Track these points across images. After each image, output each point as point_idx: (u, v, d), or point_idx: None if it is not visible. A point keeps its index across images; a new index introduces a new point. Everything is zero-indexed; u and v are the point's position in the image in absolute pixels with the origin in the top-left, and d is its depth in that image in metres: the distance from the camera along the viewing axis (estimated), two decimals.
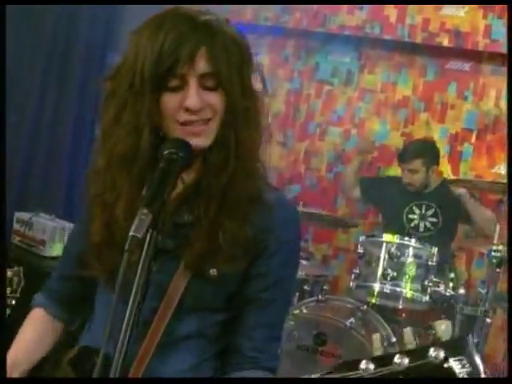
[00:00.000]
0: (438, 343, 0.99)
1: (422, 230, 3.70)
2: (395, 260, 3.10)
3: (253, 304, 1.33)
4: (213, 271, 1.27)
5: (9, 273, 2.19)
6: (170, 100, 1.23)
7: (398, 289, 3.10)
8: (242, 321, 1.34)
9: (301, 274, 3.44)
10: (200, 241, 1.26)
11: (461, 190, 3.46)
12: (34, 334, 1.51)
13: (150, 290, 1.23)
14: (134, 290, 1.10)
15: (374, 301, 3.18)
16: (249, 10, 4.60)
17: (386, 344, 3.06)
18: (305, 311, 3.03)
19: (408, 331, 1.06)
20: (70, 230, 3.75)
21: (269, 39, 4.68)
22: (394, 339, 3.08)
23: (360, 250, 3.21)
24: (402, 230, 3.52)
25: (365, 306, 3.16)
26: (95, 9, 4.32)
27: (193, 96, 1.21)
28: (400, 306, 3.23)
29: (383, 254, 3.13)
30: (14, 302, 2.23)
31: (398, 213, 3.74)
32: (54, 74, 4.34)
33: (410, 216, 3.72)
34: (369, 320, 3.14)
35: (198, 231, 1.27)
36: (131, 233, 1.08)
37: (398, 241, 3.16)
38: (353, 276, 3.20)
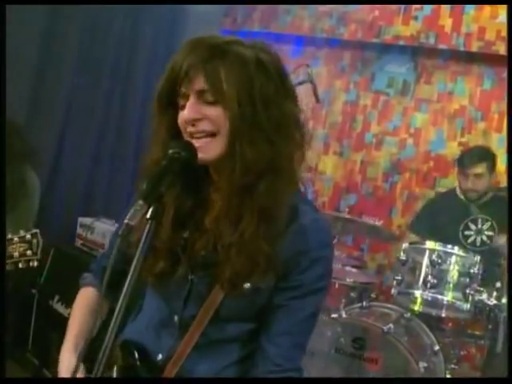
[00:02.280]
0: None
1: (478, 244, 3.61)
2: (437, 267, 3.08)
3: (281, 311, 1.40)
4: (247, 285, 1.35)
5: (27, 235, 2.33)
6: (180, 117, 1.36)
7: (440, 296, 3.07)
8: (269, 327, 1.41)
9: (348, 281, 3.49)
10: (237, 261, 1.33)
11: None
12: (86, 313, 1.61)
13: (191, 299, 1.41)
14: (130, 275, 1.22)
15: (416, 308, 3.16)
16: (306, 23, 4.70)
17: (429, 352, 3.06)
18: (344, 316, 3.06)
19: None
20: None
21: (325, 51, 4.76)
22: (437, 347, 3.07)
23: (403, 258, 3.21)
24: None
25: (408, 314, 3.16)
26: (160, 9, 4.53)
27: (188, 108, 1.32)
28: (443, 315, 3.20)
29: (425, 261, 3.12)
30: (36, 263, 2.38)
31: (454, 233, 3.66)
32: (119, 81, 4.56)
33: (466, 233, 3.64)
34: (412, 327, 3.14)
35: (235, 251, 1.34)
36: (125, 220, 1.19)
37: (440, 248, 3.14)
38: (395, 283, 3.20)
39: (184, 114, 1.33)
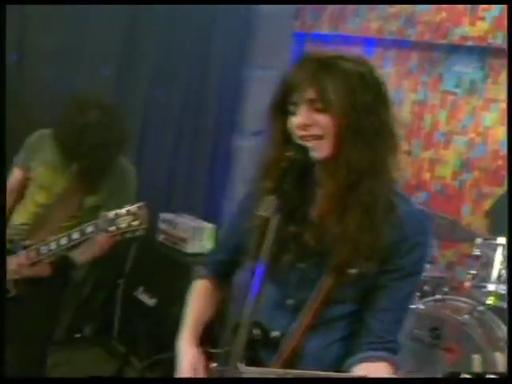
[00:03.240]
0: None
1: None
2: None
3: (383, 290, 1.59)
4: (352, 271, 1.56)
5: (133, 208, 2.57)
6: (291, 121, 1.58)
7: None
8: (373, 304, 1.60)
9: (423, 275, 3.62)
10: (343, 250, 1.54)
11: None
12: (203, 305, 1.85)
13: (301, 285, 1.63)
14: (262, 260, 1.43)
15: (490, 302, 3.29)
16: (374, 25, 4.84)
17: (501, 345, 3.17)
18: (422, 307, 3.21)
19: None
20: (209, 229, 4.21)
21: (394, 52, 4.89)
22: None
23: (476, 252, 3.35)
24: None
25: (482, 307, 3.29)
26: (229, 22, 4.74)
27: (300, 115, 1.55)
28: None
29: (498, 257, 3.25)
30: (142, 232, 2.63)
31: None
32: (194, 87, 4.80)
33: None
34: (486, 320, 3.26)
35: (341, 242, 1.54)
36: (258, 213, 1.44)
37: None
38: (469, 277, 3.33)
39: (297, 120, 1.55)
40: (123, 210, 2.57)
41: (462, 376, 1.16)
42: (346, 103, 1.51)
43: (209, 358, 1.73)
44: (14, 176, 3.08)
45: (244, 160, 4.71)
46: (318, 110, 1.53)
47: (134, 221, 2.54)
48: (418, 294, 3.46)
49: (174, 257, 4.16)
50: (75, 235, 2.69)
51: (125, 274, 4.37)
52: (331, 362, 1.64)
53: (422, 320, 3.19)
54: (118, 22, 4.23)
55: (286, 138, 1.59)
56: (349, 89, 1.52)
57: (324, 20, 5.09)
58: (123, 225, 2.55)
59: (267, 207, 1.45)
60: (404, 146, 4.77)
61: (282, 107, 1.60)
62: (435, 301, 3.36)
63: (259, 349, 1.67)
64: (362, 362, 1.57)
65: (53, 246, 2.74)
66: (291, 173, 1.53)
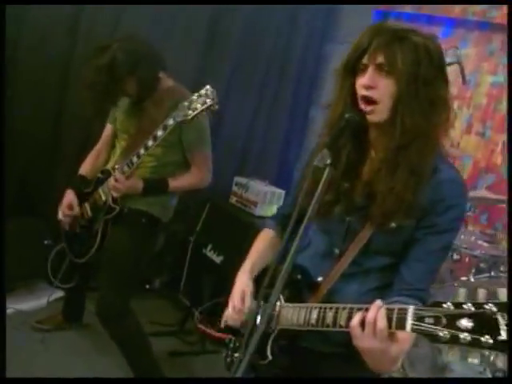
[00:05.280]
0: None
1: None
2: None
3: (418, 243, 1.71)
4: (393, 224, 1.71)
5: (202, 91, 2.82)
6: (358, 80, 1.73)
7: None
8: (407, 255, 1.73)
9: (479, 252, 3.70)
10: (386, 204, 1.69)
11: None
12: (264, 248, 2.06)
13: (348, 236, 1.80)
14: (309, 213, 1.59)
15: None
16: (458, 6, 4.84)
17: None
18: (472, 280, 3.29)
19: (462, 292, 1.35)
20: (279, 194, 4.38)
21: (476, 33, 4.88)
22: None
23: None
24: None
25: None
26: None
27: (367, 75, 1.69)
28: None
29: None
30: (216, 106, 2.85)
31: None
32: (276, 61, 4.97)
33: None
34: None
35: (386, 197, 1.69)
36: (315, 163, 1.62)
37: None
38: None
39: (363, 79, 1.69)
40: (194, 96, 2.80)
41: (452, 302, 1.27)
42: (410, 72, 1.63)
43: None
44: (105, 130, 3.42)
45: (318, 131, 4.85)
46: (384, 74, 1.67)
47: (206, 99, 2.77)
48: (473, 270, 3.54)
49: (244, 218, 4.34)
50: (159, 133, 2.92)
51: (196, 231, 4.58)
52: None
53: (472, 292, 3.25)
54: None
55: (350, 98, 1.75)
56: (415, 60, 1.64)
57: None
58: (198, 105, 2.78)
59: (322, 159, 1.62)
60: (478, 127, 4.82)
61: (352, 67, 1.72)
62: (489, 277, 3.43)
63: (303, 291, 1.85)
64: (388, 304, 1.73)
65: (142, 150, 2.99)
66: (347, 132, 1.71)
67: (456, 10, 4.85)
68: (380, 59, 1.66)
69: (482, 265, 3.64)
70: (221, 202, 4.60)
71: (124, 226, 3.19)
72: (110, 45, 2.98)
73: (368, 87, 1.68)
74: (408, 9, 5.10)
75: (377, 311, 1.45)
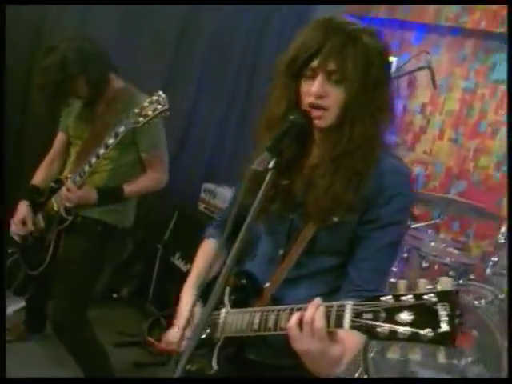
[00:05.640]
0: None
1: None
2: None
3: (363, 241, 1.63)
4: (335, 219, 1.61)
5: (153, 97, 2.77)
6: (304, 86, 1.63)
7: None
8: (353, 254, 1.65)
9: (448, 260, 3.64)
10: (325, 200, 1.61)
11: None
12: (206, 259, 1.95)
13: (292, 235, 1.70)
14: (251, 215, 1.50)
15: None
16: (430, 11, 4.81)
17: None
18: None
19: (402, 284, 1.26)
20: None
21: (448, 39, 4.86)
22: None
23: (501, 240, 3.33)
24: None
25: (503, 295, 3.28)
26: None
27: (317, 84, 1.58)
28: None
29: None
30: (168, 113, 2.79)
31: None
32: (247, 62, 4.88)
33: None
34: (504, 309, 3.25)
35: (319, 192, 1.62)
36: (253, 166, 1.51)
37: None
38: (491, 263, 3.33)
39: (313, 88, 1.58)
40: (145, 103, 2.73)
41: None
42: (360, 79, 1.55)
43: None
44: (56, 139, 3.34)
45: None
46: (334, 82, 1.58)
47: (157, 106, 2.71)
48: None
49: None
50: (110, 140, 2.83)
51: (164, 239, 4.50)
52: None
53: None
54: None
55: (295, 98, 1.65)
56: (367, 65, 1.56)
57: (381, 5, 5.08)
58: (149, 112, 2.71)
59: (262, 162, 1.52)
60: (450, 133, 4.81)
61: (298, 70, 1.62)
62: (458, 286, 3.36)
63: (250, 297, 1.76)
64: None
65: (93, 159, 2.90)
66: (291, 134, 1.61)
67: (429, 15, 4.82)
68: (331, 66, 1.57)
69: (451, 273, 3.58)
70: (189, 210, 4.52)
71: (78, 235, 3.10)
72: (58, 45, 2.91)
73: (318, 96, 1.59)
74: (381, 14, 5.06)
75: (315, 310, 1.37)
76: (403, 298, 1.19)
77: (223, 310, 1.76)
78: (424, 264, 3.62)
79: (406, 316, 1.17)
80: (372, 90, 1.57)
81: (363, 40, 1.57)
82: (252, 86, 4.87)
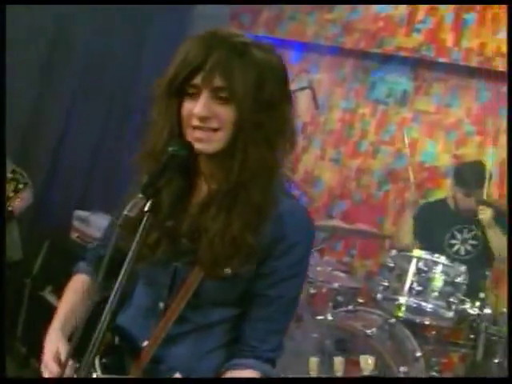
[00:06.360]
0: None
1: (463, 253, 3.72)
2: (423, 275, 3.16)
3: (259, 299, 1.45)
4: (227, 270, 1.40)
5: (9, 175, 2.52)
6: (186, 106, 1.38)
7: (424, 303, 3.15)
8: (249, 313, 1.47)
9: (336, 285, 3.54)
10: (219, 247, 1.38)
11: (484, 215, 3.47)
12: (77, 298, 1.64)
13: (175, 286, 1.46)
14: (126, 263, 1.28)
15: (400, 314, 3.22)
16: (310, 30, 4.77)
17: (410, 358, 3.11)
18: (330, 318, 3.11)
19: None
20: None
21: (327, 58, 4.83)
22: (418, 353, 3.12)
23: (390, 264, 3.28)
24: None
25: (393, 319, 3.22)
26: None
27: (201, 104, 1.35)
28: (426, 322, 3.25)
29: (412, 269, 3.18)
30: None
31: (441, 242, 3.76)
32: (122, 85, 4.64)
33: (452, 242, 3.74)
34: (396, 333, 3.19)
35: (214, 237, 1.38)
36: (125, 212, 1.26)
37: (427, 257, 3.21)
38: (381, 288, 3.27)
39: (196, 108, 1.36)
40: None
41: None
42: (252, 96, 1.35)
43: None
44: None
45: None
46: (221, 100, 1.36)
47: (17, 184, 2.48)
48: (331, 304, 3.36)
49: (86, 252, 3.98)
50: None
51: (33, 272, 4.15)
52: (211, 370, 1.49)
53: (331, 331, 3.08)
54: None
55: (174, 125, 1.41)
56: (259, 81, 1.36)
57: (260, 22, 4.99)
58: (10, 194, 2.48)
59: (134, 207, 1.29)
60: (331, 153, 4.76)
61: (178, 88, 1.39)
62: (347, 312, 3.27)
63: (125, 359, 1.50)
64: (229, 369, 1.45)
65: None
66: (171, 169, 1.36)
67: (308, 34, 4.77)
68: (217, 82, 1.34)
69: (339, 298, 3.48)
70: (61, 239, 4.19)
71: None
72: None
73: (201, 119, 1.36)
74: (260, 32, 4.96)
75: None
76: None
77: (94, 375, 1.49)
78: (312, 290, 3.49)
79: None
80: (266, 110, 1.37)
81: (253, 53, 1.37)
82: (127, 108, 4.61)
